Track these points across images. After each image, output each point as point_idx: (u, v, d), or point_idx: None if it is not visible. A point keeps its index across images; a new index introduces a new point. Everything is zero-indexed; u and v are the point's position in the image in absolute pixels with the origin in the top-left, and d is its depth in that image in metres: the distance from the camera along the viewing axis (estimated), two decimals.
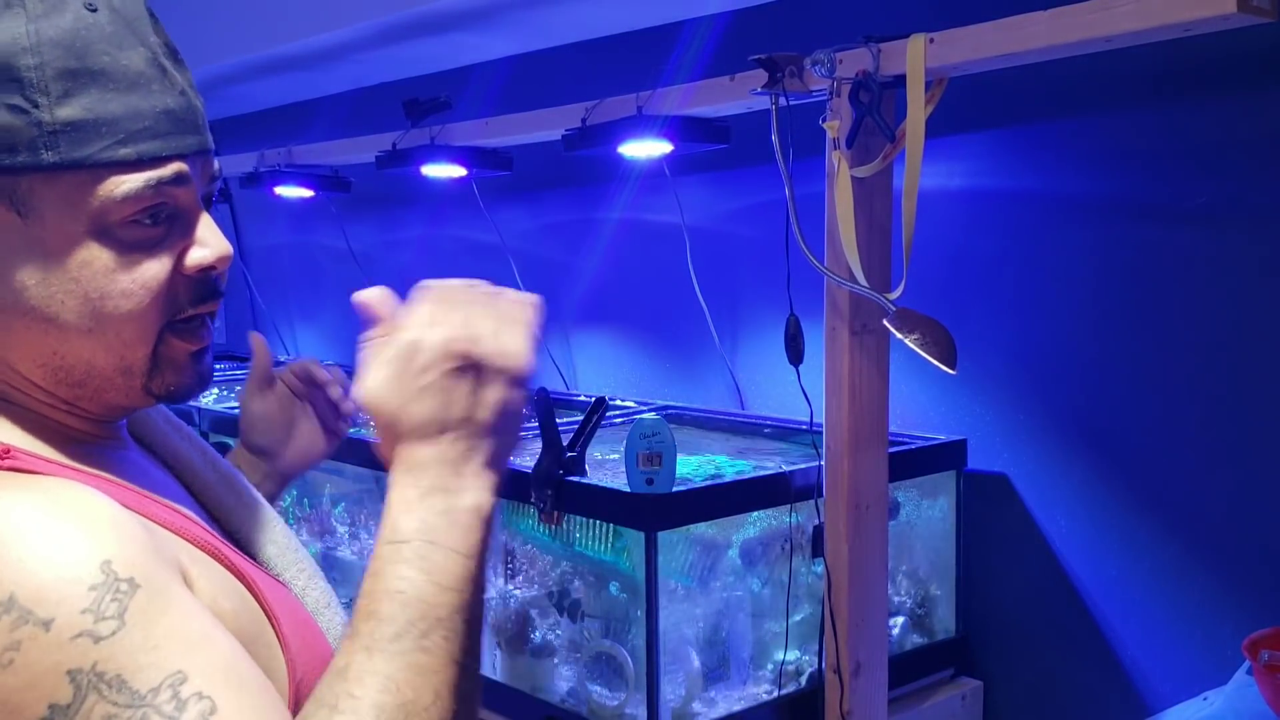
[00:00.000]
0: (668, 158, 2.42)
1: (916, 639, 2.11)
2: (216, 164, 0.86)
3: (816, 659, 1.86)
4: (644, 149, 2.19)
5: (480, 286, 0.82)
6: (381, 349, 0.79)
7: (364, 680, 0.69)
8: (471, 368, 0.77)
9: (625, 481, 1.79)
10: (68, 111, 0.75)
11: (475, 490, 0.76)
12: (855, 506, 1.76)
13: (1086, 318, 1.98)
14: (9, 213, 0.76)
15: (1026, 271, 2.06)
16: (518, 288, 0.83)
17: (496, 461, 0.78)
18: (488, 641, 2.04)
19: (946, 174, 2.15)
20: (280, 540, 0.96)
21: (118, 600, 0.68)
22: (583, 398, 2.71)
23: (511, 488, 1.99)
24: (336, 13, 2.70)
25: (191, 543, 0.81)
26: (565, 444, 1.91)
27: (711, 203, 2.60)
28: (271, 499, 1.16)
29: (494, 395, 0.77)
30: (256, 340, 1.26)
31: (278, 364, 1.29)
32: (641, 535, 1.75)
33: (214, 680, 0.69)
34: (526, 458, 1.95)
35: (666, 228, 2.67)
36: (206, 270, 0.82)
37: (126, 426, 0.93)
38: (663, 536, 1.76)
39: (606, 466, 2.12)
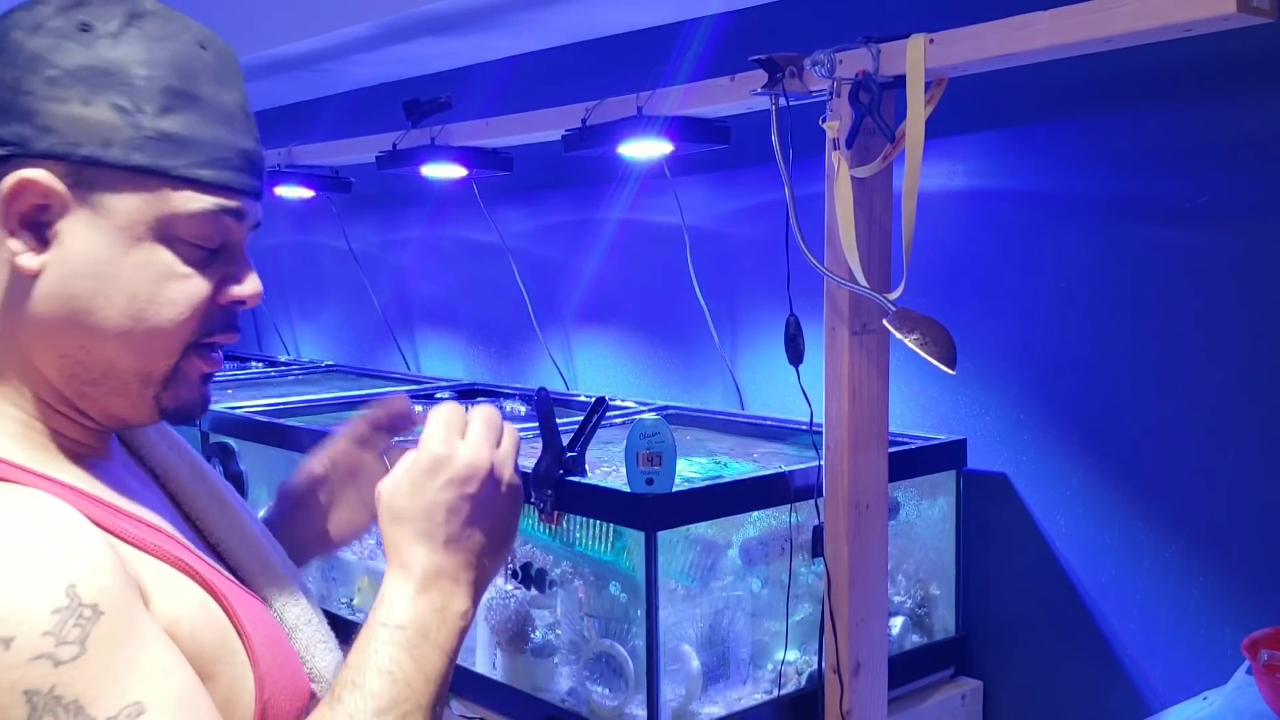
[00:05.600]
0: (668, 158, 2.42)
1: (916, 639, 2.11)
2: (260, 212, 0.92)
3: (816, 659, 1.86)
4: (644, 149, 2.19)
5: (481, 414, 0.90)
6: (408, 457, 0.87)
7: None
8: (481, 492, 0.86)
9: (624, 476, 1.79)
10: (166, 124, 0.81)
11: (465, 598, 0.85)
12: (855, 506, 1.76)
13: (1087, 317, 1.98)
14: (81, 205, 0.80)
15: (1026, 271, 2.06)
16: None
17: (485, 577, 0.88)
18: (488, 641, 2.05)
19: (946, 174, 2.15)
20: (263, 556, 0.96)
21: (80, 626, 0.69)
22: (583, 398, 2.71)
23: None
24: (336, 13, 2.70)
25: (159, 558, 0.81)
26: (565, 444, 1.91)
27: (711, 203, 2.60)
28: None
29: (497, 520, 0.88)
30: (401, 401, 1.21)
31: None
32: (641, 535, 1.75)
33: (170, 714, 0.71)
34: (527, 458, 1.95)
35: (666, 228, 2.67)
36: (237, 303, 0.88)
37: (117, 435, 0.93)
38: (663, 536, 1.76)
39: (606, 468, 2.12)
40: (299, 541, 1.13)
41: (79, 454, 0.85)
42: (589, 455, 1.95)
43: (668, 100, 2.05)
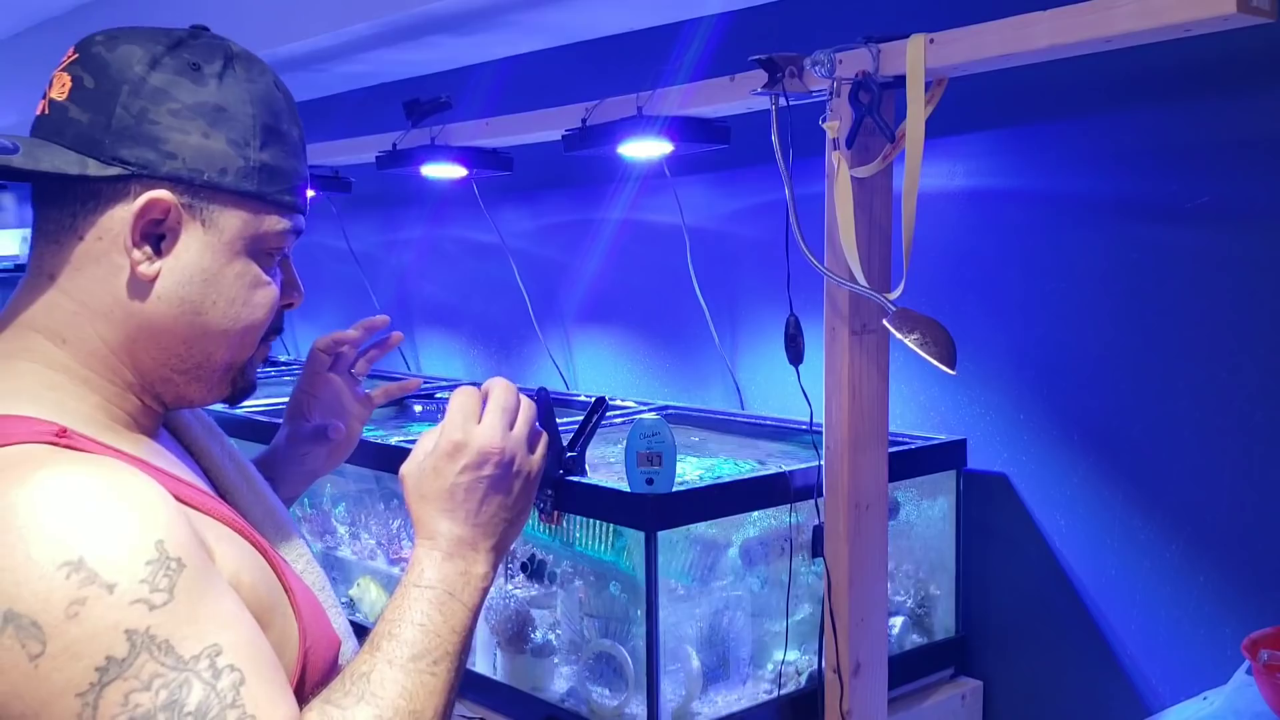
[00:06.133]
0: (668, 158, 2.42)
1: (916, 639, 2.11)
2: None
3: (816, 659, 1.86)
4: (644, 149, 2.19)
5: (496, 399, 1.00)
6: (428, 438, 0.99)
7: (386, 685, 0.86)
8: (496, 473, 0.98)
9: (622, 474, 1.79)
10: (265, 156, 0.96)
11: (485, 563, 0.98)
12: (855, 506, 1.76)
13: (1087, 317, 1.98)
14: (195, 221, 0.93)
15: (1027, 271, 2.06)
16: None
17: (503, 544, 1.00)
18: (488, 641, 2.05)
19: (947, 174, 2.15)
20: (285, 529, 1.08)
21: (169, 576, 0.79)
22: (583, 398, 2.71)
23: None
24: (336, 13, 2.70)
25: (220, 520, 0.92)
26: (565, 444, 1.91)
27: (711, 203, 2.60)
28: (290, 500, 1.29)
29: (511, 495, 0.99)
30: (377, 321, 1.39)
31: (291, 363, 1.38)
32: (641, 535, 1.75)
33: (243, 655, 0.81)
34: None
35: (666, 228, 2.67)
36: (288, 305, 1.04)
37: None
38: (663, 536, 1.76)
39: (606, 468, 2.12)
40: (309, 470, 1.34)
41: (140, 433, 0.96)
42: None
43: (668, 100, 2.05)
